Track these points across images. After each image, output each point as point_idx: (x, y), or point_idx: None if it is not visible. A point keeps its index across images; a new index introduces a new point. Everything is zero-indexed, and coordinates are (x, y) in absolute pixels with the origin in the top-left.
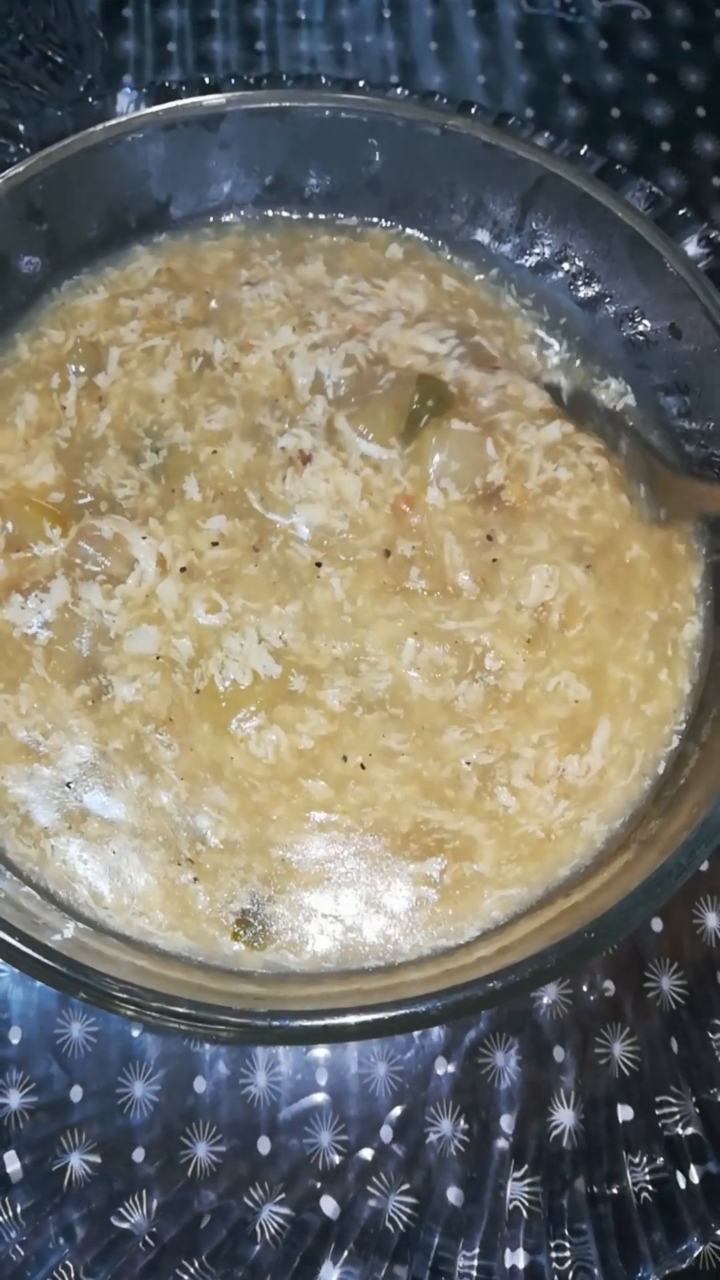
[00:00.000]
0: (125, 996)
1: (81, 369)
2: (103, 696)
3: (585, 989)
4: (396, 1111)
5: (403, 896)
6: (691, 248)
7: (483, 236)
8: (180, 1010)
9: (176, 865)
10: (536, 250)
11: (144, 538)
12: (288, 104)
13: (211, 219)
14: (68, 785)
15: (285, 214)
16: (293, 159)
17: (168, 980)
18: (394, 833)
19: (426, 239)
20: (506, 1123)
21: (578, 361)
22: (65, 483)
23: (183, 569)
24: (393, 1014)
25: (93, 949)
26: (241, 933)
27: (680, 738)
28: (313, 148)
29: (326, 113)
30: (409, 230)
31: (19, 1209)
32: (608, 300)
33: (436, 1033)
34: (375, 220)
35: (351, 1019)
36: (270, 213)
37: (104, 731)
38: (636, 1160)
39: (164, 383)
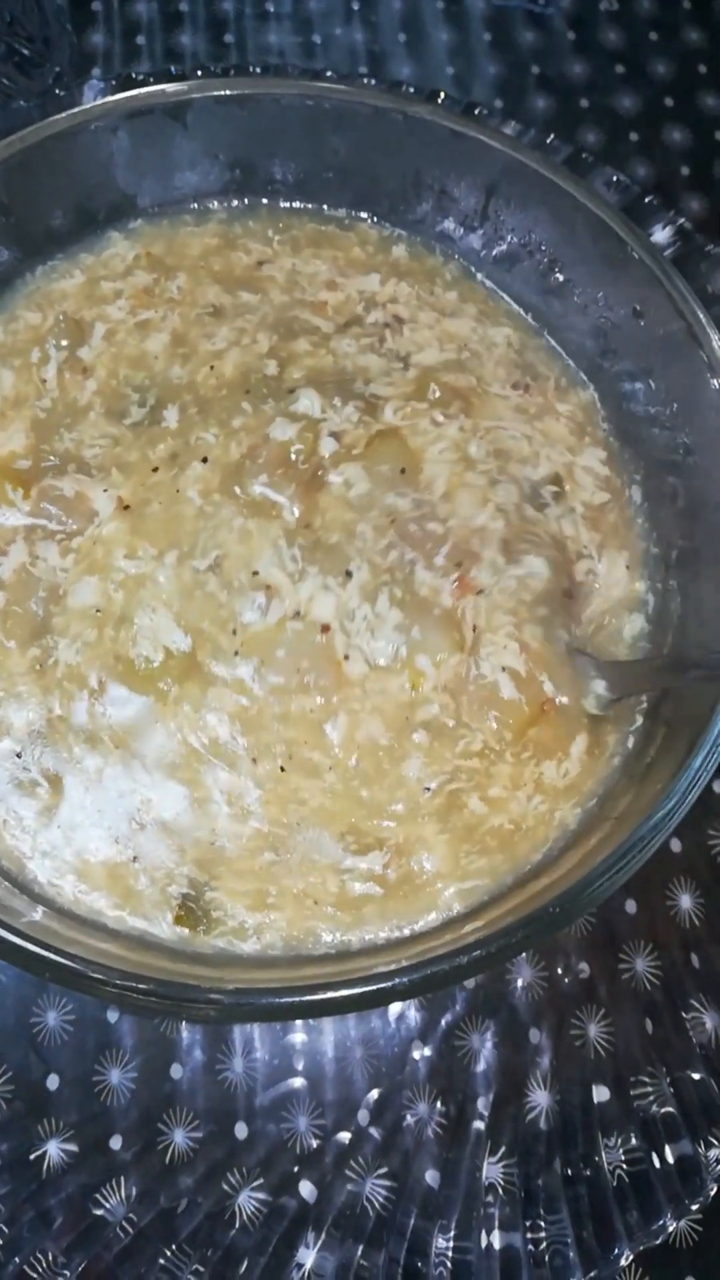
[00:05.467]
0: (100, 978)
1: (63, 343)
2: (49, 659)
3: (560, 971)
4: (373, 1095)
5: (345, 889)
6: (660, 235)
7: (449, 226)
8: (144, 987)
9: (116, 844)
10: (503, 239)
11: (105, 490)
12: (250, 91)
13: (195, 205)
14: (18, 755)
15: (265, 201)
16: (259, 148)
17: (135, 963)
18: (327, 829)
19: (406, 232)
20: (483, 1105)
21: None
22: (33, 449)
23: (126, 507)
24: (361, 990)
25: (59, 932)
26: (185, 917)
27: (644, 716)
28: (278, 136)
29: (291, 100)
30: (387, 225)
31: None
32: (573, 287)
33: (413, 1016)
34: (364, 216)
35: (314, 996)
36: (245, 201)
37: (49, 697)
38: (611, 1141)
39: (158, 343)
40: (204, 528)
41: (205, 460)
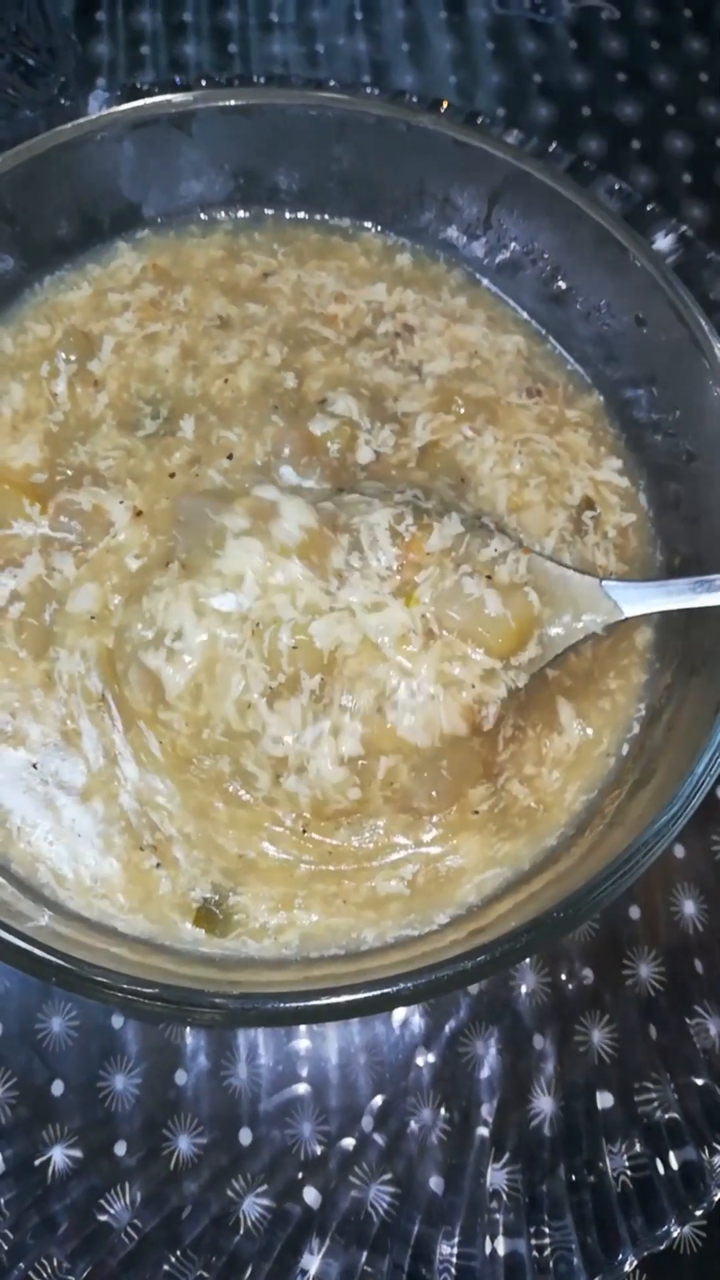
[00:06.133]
0: (105, 981)
1: (71, 357)
2: (56, 669)
3: (564, 977)
4: (378, 1101)
5: (375, 891)
6: (662, 243)
7: (453, 234)
8: (149, 991)
9: (139, 850)
10: (505, 247)
11: (121, 501)
12: (255, 101)
13: (201, 216)
14: (33, 766)
15: (270, 212)
16: (263, 157)
17: (142, 967)
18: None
19: (409, 240)
20: (487, 1111)
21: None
22: (48, 463)
23: (139, 513)
24: (365, 995)
25: (67, 936)
26: (203, 919)
27: (641, 723)
28: (282, 146)
29: (295, 110)
30: (392, 234)
31: (1, 1201)
32: (576, 295)
33: (417, 1023)
34: (367, 225)
35: (318, 1001)
36: (250, 212)
37: (62, 709)
38: (615, 1147)
39: (168, 356)
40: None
41: (231, 457)
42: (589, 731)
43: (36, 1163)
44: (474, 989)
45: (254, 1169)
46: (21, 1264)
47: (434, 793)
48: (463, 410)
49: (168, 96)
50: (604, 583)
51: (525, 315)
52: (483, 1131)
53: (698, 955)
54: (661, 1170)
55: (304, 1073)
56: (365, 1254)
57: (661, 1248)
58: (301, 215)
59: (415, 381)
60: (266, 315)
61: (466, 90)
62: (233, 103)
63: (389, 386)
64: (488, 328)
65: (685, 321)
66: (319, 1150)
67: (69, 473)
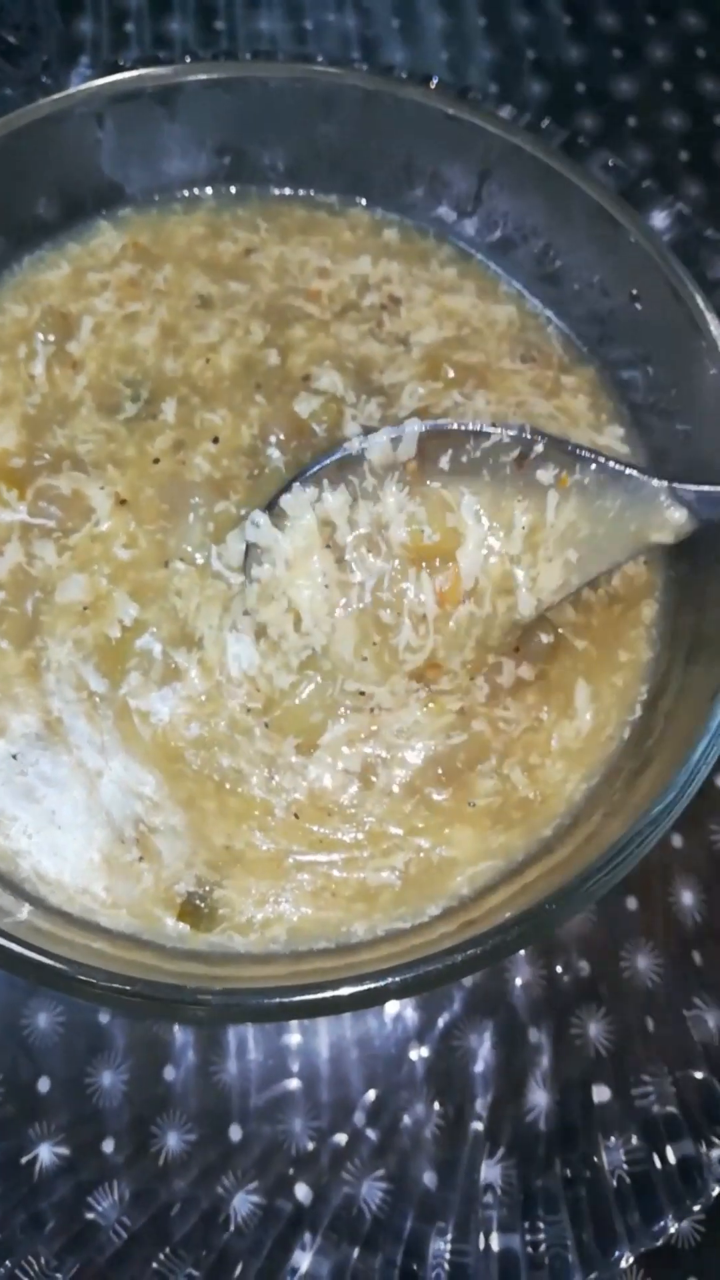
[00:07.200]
0: (86, 979)
1: (50, 338)
2: (42, 659)
3: (560, 969)
4: (370, 1096)
5: (365, 883)
6: (658, 220)
7: (444, 211)
8: (130, 989)
9: (121, 844)
10: (497, 224)
11: (101, 487)
12: (238, 76)
13: (184, 193)
14: (13, 757)
15: (255, 189)
16: (248, 133)
17: (126, 963)
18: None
19: (404, 218)
20: (481, 1106)
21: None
22: (26, 447)
23: (123, 502)
24: (352, 990)
25: (46, 931)
26: (188, 913)
27: (643, 706)
28: (267, 121)
29: (279, 84)
30: (381, 210)
31: None
32: (569, 273)
33: (410, 1016)
34: (356, 199)
35: (304, 996)
36: (235, 189)
37: (46, 700)
38: (612, 1142)
39: (148, 336)
40: (205, 498)
41: (216, 440)
42: (600, 715)
43: (23, 1160)
44: (467, 982)
45: (244, 1165)
46: (8, 1262)
47: (440, 771)
48: (452, 375)
49: (149, 70)
50: (675, 485)
51: (518, 286)
52: (477, 1126)
53: (696, 947)
54: (659, 1165)
55: (295, 1068)
56: (357, 1251)
57: (659, 1243)
58: (287, 192)
59: (402, 352)
60: (249, 293)
61: (458, 66)
62: (215, 77)
63: (375, 359)
64: (478, 298)
65: (682, 300)
66: (310, 1146)
67: (47, 457)
